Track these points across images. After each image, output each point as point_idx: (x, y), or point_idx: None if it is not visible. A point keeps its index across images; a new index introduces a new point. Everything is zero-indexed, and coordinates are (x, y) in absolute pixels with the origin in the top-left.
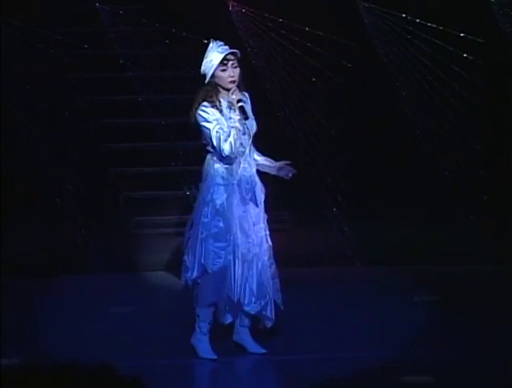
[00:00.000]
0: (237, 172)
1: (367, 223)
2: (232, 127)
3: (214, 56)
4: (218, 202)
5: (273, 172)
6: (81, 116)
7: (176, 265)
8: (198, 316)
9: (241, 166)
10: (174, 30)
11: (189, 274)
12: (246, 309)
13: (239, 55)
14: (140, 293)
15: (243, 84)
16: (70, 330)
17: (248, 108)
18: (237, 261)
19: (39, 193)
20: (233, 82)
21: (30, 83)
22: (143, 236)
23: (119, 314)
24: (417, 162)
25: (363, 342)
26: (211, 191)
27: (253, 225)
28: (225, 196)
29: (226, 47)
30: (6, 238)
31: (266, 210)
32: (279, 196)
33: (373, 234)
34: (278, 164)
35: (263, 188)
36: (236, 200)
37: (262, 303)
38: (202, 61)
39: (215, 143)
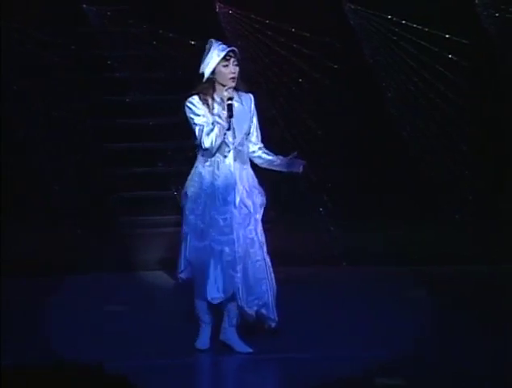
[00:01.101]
0: (214, 172)
1: (355, 223)
2: (218, 123)
3: (215, 53)
4: (198, 200)
5: (284, 169)
6: (76, 117)
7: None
8: (195, 307)
9: (221, 166)
10: (161, 31)
11: (178, 270)
12: (244, 309)
13: (239, 55)
14: (140, 292)
15: (244, 85)
16: (70, 329)
17: (243, 109)
18: (212, 260)
19: (39, 193)
20: (234, 78)
21: (18, 84)
22: (142, 236)
23: (118, 314)
24: (406, 163)
25: (354, 341)
26: (193, 188)
27: (238, 227)
28: (204, 194)
29: (226, 46)
30: (6, 238)
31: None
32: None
33: (361, 234)
34: (287, 160)
35: (260, 192)
36: (215, 199)
37: (260, 303)
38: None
39: (197, 135)
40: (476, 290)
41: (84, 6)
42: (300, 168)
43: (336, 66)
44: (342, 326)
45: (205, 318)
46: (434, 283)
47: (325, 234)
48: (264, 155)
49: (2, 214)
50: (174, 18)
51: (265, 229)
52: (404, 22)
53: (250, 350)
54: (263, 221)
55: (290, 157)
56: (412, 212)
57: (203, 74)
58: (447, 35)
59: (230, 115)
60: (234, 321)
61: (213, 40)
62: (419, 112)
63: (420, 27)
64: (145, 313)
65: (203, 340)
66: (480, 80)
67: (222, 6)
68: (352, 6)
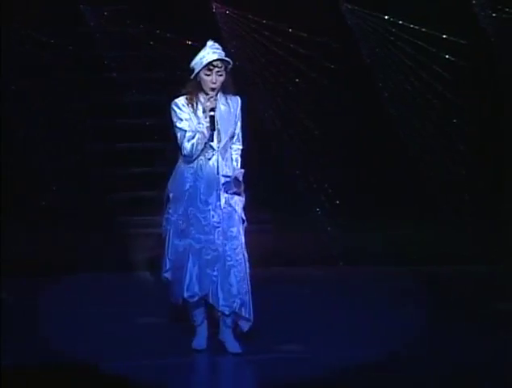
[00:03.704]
0: (197, 174)
1: (354, 223)
2: (200, 131)
3: (204, 56)
4: (179, 200)
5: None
6: (76, 117)
7: None
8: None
9: (204, 168)
10: (158, 31)
11: (162, 270)
12: (219, 308)
13: (230, 64)
14: (140, 292)
15: (233, 88)
16: (70, 329)
17: (229, 112)
18: (191, 258)
19: (39, 193)
20: (213, 89)
21: (18, 84)
22: (142, 235)
23: (118, 314)
24: (405, 163)
25: (352, 341)
26: (175, 189)
27: (219, 226)
28: (186, 195)
29: (219, 52)
30: (6, 238)
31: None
32: (260, 197)
33: (360, 234)
34: (231, 176)
35: (241, 195)
36: (196, 200)
37: (239, 303)
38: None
39: (179, 139)
40: (475, 290)
41: (81, 6)
42: (238, 189)
43: (333, 66)
44: (340, 326)
45: (197, 319)
46: (434, 283)
47: (324, 234)
48: (234, 163)
49: (2, 214)
50: (172, 18)
51: (263, 230)
52: (401, 22)
53: (240, 350)
54: (257, 221)
55: (232, 176)
56: (411, 212)
57: (193, 69)
58: (445, 36)
59: (212, 129)
60: (229, 321)
61: (210, 40)
62: (417, 112)
63: (417, 27)
64: (145, 313)
65: (200, 341)
66: (478, 80)
67: (219, 6)
68: (349, 6)
